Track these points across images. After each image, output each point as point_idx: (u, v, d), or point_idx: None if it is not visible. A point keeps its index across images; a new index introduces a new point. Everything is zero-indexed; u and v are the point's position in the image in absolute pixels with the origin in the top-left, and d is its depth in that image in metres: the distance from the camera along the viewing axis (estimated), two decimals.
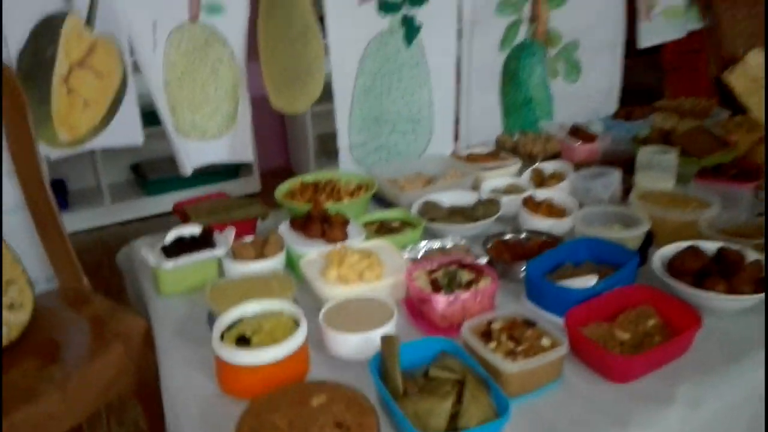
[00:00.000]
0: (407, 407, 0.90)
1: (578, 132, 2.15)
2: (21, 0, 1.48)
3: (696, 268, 1.20)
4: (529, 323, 1.09)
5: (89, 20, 1.56)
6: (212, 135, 1.83)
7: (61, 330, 1.37)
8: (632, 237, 1.36)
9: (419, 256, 1.43)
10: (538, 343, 1.04)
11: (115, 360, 1.26)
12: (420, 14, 1.99)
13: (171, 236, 1.46)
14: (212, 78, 1.77)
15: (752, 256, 1.23)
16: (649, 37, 2.50)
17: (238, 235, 1.48)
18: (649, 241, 1.39)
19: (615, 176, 1.61)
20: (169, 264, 1.36)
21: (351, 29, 1.89)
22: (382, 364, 0.99)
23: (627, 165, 1.90)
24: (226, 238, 1.44)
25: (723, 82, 2.52)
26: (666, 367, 1.05)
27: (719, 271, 1.19)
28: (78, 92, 1.61)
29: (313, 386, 0.95)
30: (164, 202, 3.35)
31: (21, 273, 1.37)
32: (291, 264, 1.42)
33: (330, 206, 1.59)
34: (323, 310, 1.16)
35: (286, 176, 1.84)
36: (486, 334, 1.07)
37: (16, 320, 1.34)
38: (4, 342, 1.27)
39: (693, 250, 1.24)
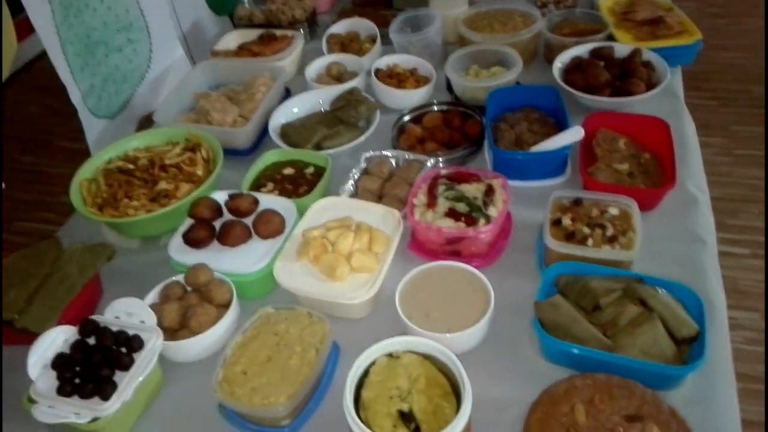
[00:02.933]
0: (627, 351, 0.82)
1: None
2: None
3: (608, 79, 1.29)
4: (577, 202, 1.05)
5: None
6: None
7: None
8: (516, 73, 1.35)
9: (353, 195, 1.17)
10: (609, 215, 1.02)
11: None
12: None
13: (39, 365, 0.87)
14: None
15: (618, 48, 1.37)
16: None
17: (92, 307, 0.98)
18: None
19: (438, 19, 1.50)
20: (113, 405, 0.83)
21: None
22: (552, 329, 0.85)
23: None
24: (136, 316, 0.93)
25: None
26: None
27: (618, 72, 1.30)
28: None
29: (554, 402, 0.77)
30: None
31: None
32: (243, 292, 1.01)
33: (192, 194, 1.13)
34: (405, 318, 0.90)
35: None
36: (569, 237, 0.99)
37: None
38: None
39: (591, 63, 1.32)
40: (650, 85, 1.29)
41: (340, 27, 1.62)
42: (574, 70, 1.34)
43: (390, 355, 0.83)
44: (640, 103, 1.28)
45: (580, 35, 1.46)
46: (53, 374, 0.87)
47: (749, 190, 2.03)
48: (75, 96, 1.36)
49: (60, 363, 0.87)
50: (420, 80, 1.42)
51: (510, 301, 0.96)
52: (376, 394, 0.79)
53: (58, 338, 0.91)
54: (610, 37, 1.43)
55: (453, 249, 1.04)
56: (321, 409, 0.88)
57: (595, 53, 1.37)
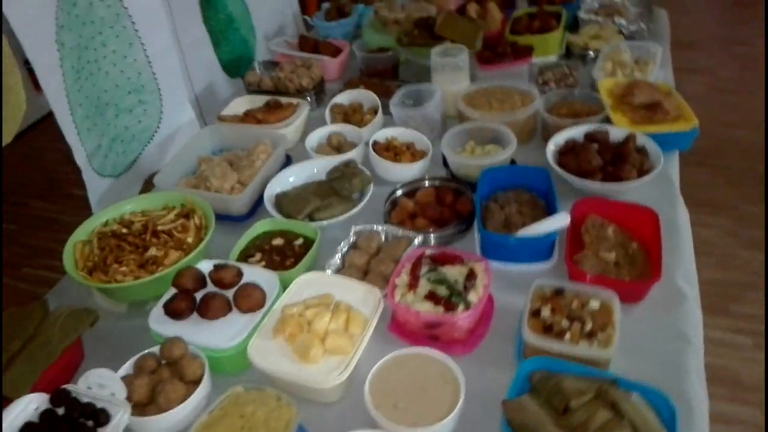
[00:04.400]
0: None
1: (315, 45, 1.95)
2: None
3: (600, 164, 1.29)
4: (558, 291, 1.04)
5: None
6: None
7: None
8: (510, 152, 1.36)
9: (340, 270, 1.18)
10: (590, 308, 1.01)
11: None
12: None
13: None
14: None
15: (614, 132, 1.38)
16: None
17: (68, 375, 0.99)
18: None
19: (437, 94, 1.53)
20: None
21: (30, 7, 1.23)
22: (520, 429, 0.83)
23: (391, 71, 1.85)
24: (106, 388, 0.93)
25: None
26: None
27: (611, 157, 1.31)
28: None
29: None
30: None
31: None
32: (213, 368, 1.01)
33: (179, 262, 1.15)
34: (371, 407, 0.89)
35: None
36: (546, 329, 0.98)
37: None
38: None
39: (582, 147, 1.32)
40: (643, 171, 1.28)
41: (344, 97, 1.65)
42: (567, 152, 1.35)
43: None
44: (632, 189, 1.27)
45: (577, 116, 1.47)
46: None
47: (754, 275, 1.98)
48: (80, 156, 1.41)
49: None
50: (416, 154, 1.44)
51: (484, 393, 0.94)
52: None
53: (29, 406, 0.92)
54: (607, 119, 1.44)
55: (432, 333, 1.03)
56: None
57: (590, 136, 1.38)
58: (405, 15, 1.94)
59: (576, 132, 1.40)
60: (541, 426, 0.82)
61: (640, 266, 1.13)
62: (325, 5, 2.22)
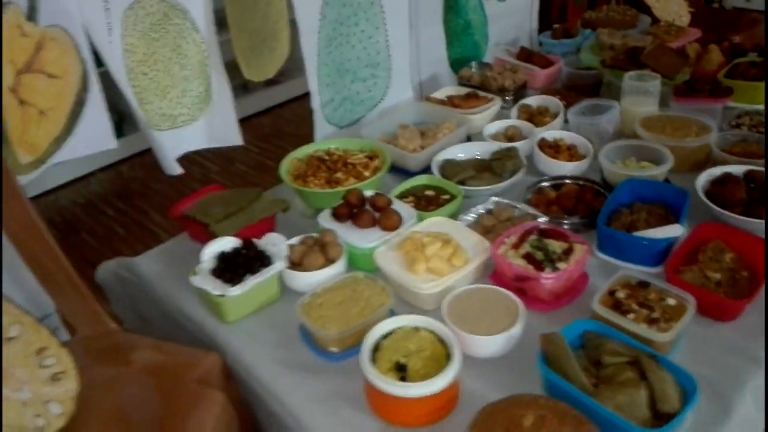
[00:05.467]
0: (602, 401, 0.93)
1: (530, 56, 2.18)
2: None
3: (744, 198, 1.33)
4: (643, 284, 1.15)
5: (31, 14, 1.23)
6: (184, 120, 1.59)
7: (120, 395, 1.19)
8: (664, 171, 1.45)
9: (469, 224, 1.41)
10: (665, 303, 1.11)
11: (218, 413, 1.13)
12: None
13: (209, 254, 1.30)
14: (175, 56, 1.51)
15: None
16: None
17: (255, 235, 1.35)
18: None
19: (616, 109, 1.68)
20: (236, 290, 1.21)
21: None
22: (551, 362, 1.00)
23: (592, 88, 2.00)
24: (276, 247, 1.31)
25: None
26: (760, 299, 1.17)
27: (756, 195, 1.33)
28: (31, 102, 1.29)
29: (516, 404, 0.94)
30: None
31: (49, 336, 1.14)
32: (352, 261, 1.33)
33: (353, 185, 1.49)
34: (446, 311, 1.13)
35: None
36: (616, 306, 1.11)
37: (65, 392, 1.13)
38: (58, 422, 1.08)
39: (734, 179, 1.37)
40: None
41: (533, 100, 1.87)
42: (718, 182, 1.40)
43: (414, 328, 1.07)
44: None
45: (748, 156, 1.49)
46: (214, 262, 1.29)
47: None
48: (315, 102, 1.84)
49: (220, 257, 1.29)
50: (575, 156, 1.60)
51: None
52: (389, 346, 1.04)
53: (227, 244, 1.33)
54: None
55: (519, 287, 1.22)
56: None
57: (749, 174, 1.40)
58: (622, 42, 2.07)
59: (736, 169, 1.43)
60: (566, 361, 0.98)
61: (740, 292, 1.17)
62: (556, 26, 2.43)
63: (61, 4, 1.25)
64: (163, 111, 1.53)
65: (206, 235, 1.39)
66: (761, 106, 1.77)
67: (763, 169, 1.40)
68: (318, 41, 1.78)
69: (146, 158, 3.40)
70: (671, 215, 1.35)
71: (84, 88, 1.35)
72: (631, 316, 1.09)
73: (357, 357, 1.12)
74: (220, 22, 1.52)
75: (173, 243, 1.54)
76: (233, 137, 1.64)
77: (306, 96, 1.83)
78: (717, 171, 1.44)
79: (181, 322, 1.36)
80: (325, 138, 1.89)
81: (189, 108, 1.58)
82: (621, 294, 1.13)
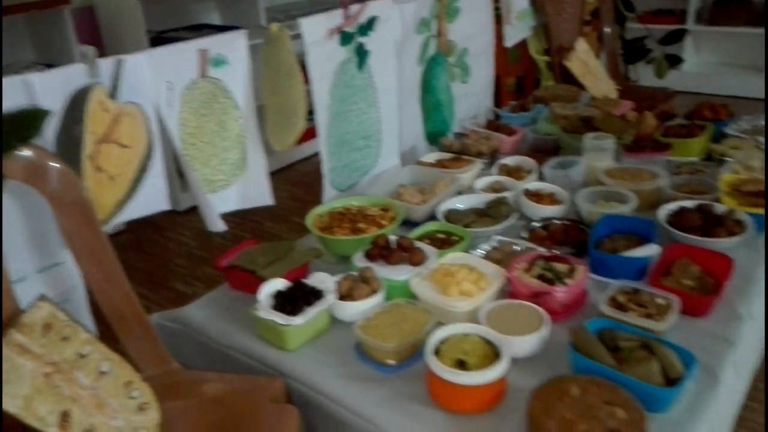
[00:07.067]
0: (629, 375, 1.17)
1: (497, 126, 2.54)
2: (52, 78, 1.32)
3: (699, 223, 1.66)
4: (635, 290, 1.43)
5: (113, 92, 1.45)
6: (221, 186, 1.80)
7: (197, 423, 1.33)
8: (631, 209, 1.78)
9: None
10: (656, 302, 1.38)
11: (298, 426, 1.28)
12: (368, 42, 2.16)
13: (265, 294, 1.48)
14: (219, 130, 1.74)
15: (718, 207, 1.73)
16: (511, 37, 3.00)
17: (299, 277, 1.56)
18: None
19: (582, 163, 2.02)
20: (299, 320, 1.40)
21: (324, 63, 1.99)
22: (580, 350, 1.24)
23: (552, 150, 2.36)
24: (324, 284, 1.51)
25: (565, 67, 3.15)
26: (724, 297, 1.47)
27: (711, 222, 1.66)
28: (104, 169, 1.48)
29: (563, 381, 1.16)
30: None
31: (132, 372, 1.29)
32: (390, 292, 1.55)
33: (376, 233, 1.73)
34: (484, 321, 1.36)
35: None
36: (618, 307, 1.38)
37: (150, 420, 1.27)
38: None
39: (689, 210, 1.70)
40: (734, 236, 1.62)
41: (510, 160, 2.20)
42: (676, 215, 1.73)
43: (465, 334, 1.30)
44: (723, 248, 1.61)
45: (695, 193, 1.84)
46: (271, 300, 1.47)
47: None
48: (325, 168, 2.10)
49: (277, 295, 1.48)
50: (555, 201, 1.91)
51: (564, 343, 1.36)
52: (447, 349, 1.25)
53: (279, 284, 1.52)
54: (717, 200, 1.79)
55: (536, 302, 1.47)
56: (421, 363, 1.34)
57: (700, 207, 1.74)
58: (573, 113, 2.46)
59: (688, 203, 1.77)
60: (594, 346, 1.23)
61: (708, 293, 1.47)
62: (513, 102, 2.83)
63: (138, 84, 1.47)
64: (206, 177, 1.74)
65: (251, 282, 1.57)
66: (695, 158, 2.17)
67: (711, 203, 1.75)
68: (327, 117, 2.06)
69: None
70: (643, 241, 1.66)
71: (148, 156, 1.55)
72: (632, 313, 1.35)
73: (412, 367, 1.33)
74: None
75: (216, 293, 1.71)
76: (265, 198, 1.86)
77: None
78: (672, 206, 1.77)
79: (236, 359, 1.51)
80: (330, 200, 2.14)
81: (226, 174, 1.80)
82: (621, 298, 1.40)
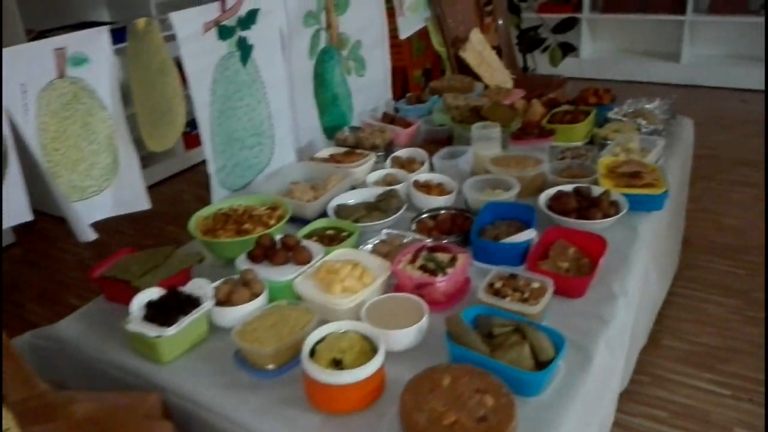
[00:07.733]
0: (500, 360, 1.19)
1: (393, 119, 2.53)
2: None
3: (576, 206, 1.71)
4: (512, 276, 1.45)
5: None
6: (93, 192, 1.70)
7: None
8: (513, 195, 1.82)
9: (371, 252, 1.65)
10: (531, 287, 1.41)
11: None
12: (251, 35, 2.10)
13: (137, 305, 1.41)
14: (84, 133, 1.64)
15: (597, 190, 1.79)
16: (405, 29, 3.00)
17: (177, 284, 1.49)
18: None
19: (470, 153, 2.04)
20: (172, 330, 1.33)
21: (201, 58, 1.91)
22: (455, 339, 1.24)
23: (446, 140, 2.38)
24: (202, 290, 1.45)
25: (459, 58, 3.19)
26: (600, 277, 1.52)
27: (587, 204, 1.72)
28: None
29: (435, 371, 1.16)
30: None
31: None
32: (274, 294, 1.50)
33: (261, 233, 1.68)
34: (365, 316, 1.34)
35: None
36: (496, 293, 1.40)
37: None
38: None
39: (566, 194, 1.75)
40: (610, 217, 1.68)
41: (403, 152, 2.20)
42: (555, 199, 1.78)
43: (343, 332, 1.27)
44: (599, 229, 1.67)
45: (574, 178, 1.90)
46: (144, 310, 1.40)
47: (750, 345, 2.19)
48: (211, 168, 2.02)
49: (149, 305, 1.41)
50: (443, 192, 1.92)
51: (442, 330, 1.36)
52: (324, 348, 1.23)
53: (153, 294, 1.45)
54: (596, 183, 1.86)
55: (420, 293, 1.47)
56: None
57: (577, 190, 1.80)
58: (465, 103, 2.49)
59: (566, 187, 1.83)
60: (467, 334, 1.23)
61: (583, 274, 1.51)
62: (409, 94, 2.84)
63: None
64: (74, 183, 1.63)
65: (126, 293, 1.49)
66: (578, 143, 2.24)
67: (588, 186, 1.80)
68: (210, 114, 1.99)
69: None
70: (524, 226, 1.69)
71: (2, 165, 1.44)
72: (508, 298, 1.37)
73: (293, 372, 1.30)
74: (126, 99, 1.68)
75: (91, 306, 1.61)
76: (142, 203, 1.77)
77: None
78: (552, 191, 1.82)
79: (113, 376, 1.43)
80: (220, 200, 2.06)
81: (96, 180, 1.69)
82: (498, 284, 1.42)
